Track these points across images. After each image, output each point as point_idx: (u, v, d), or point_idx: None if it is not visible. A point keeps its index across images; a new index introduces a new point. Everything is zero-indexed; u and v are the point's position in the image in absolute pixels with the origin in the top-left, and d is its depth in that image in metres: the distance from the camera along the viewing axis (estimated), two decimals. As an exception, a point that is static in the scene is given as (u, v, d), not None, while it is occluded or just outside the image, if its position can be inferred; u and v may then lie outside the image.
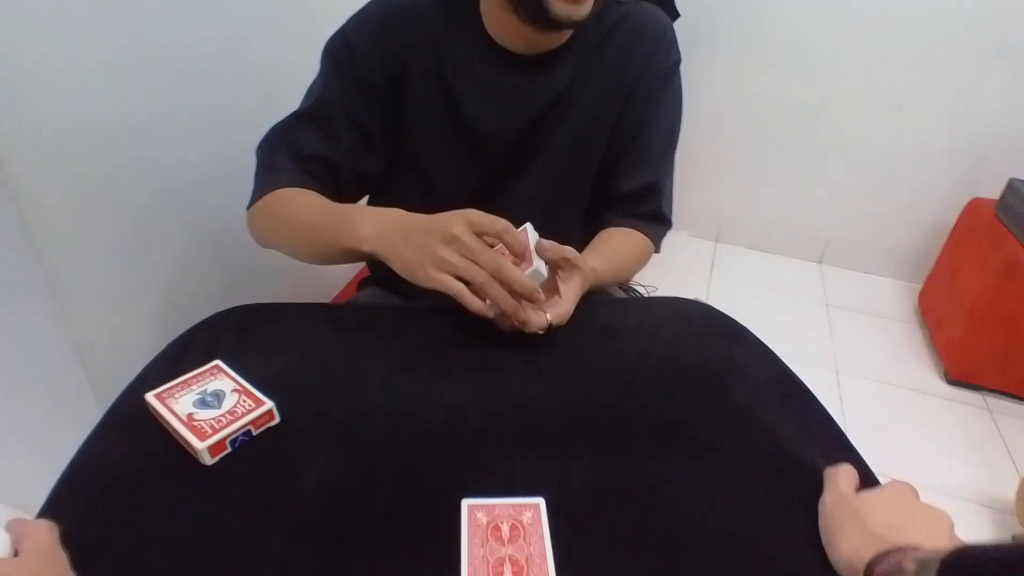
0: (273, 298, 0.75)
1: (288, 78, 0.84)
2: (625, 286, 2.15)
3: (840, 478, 0.46)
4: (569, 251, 0.63)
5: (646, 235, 0.84)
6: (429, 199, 0.83)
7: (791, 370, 0.60)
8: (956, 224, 1.97)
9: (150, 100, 0.83)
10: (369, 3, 0.77)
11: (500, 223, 0.59)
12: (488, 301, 0.59)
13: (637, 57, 0.79)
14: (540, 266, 0.59)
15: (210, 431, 0.50)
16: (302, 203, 0.72)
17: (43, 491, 0.47)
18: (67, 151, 0.73)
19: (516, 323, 0.59)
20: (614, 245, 0.80)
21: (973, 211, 1.89)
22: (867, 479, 0.48)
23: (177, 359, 0.59)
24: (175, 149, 0.89)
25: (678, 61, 0.83)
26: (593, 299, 0.68)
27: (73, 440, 0.52)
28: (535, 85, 0.77)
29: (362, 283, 0.97)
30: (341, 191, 0.79)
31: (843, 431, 0.53)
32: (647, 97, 0.81)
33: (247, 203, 0.76)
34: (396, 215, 0.64)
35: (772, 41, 2.10)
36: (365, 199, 0.87)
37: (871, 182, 2.20)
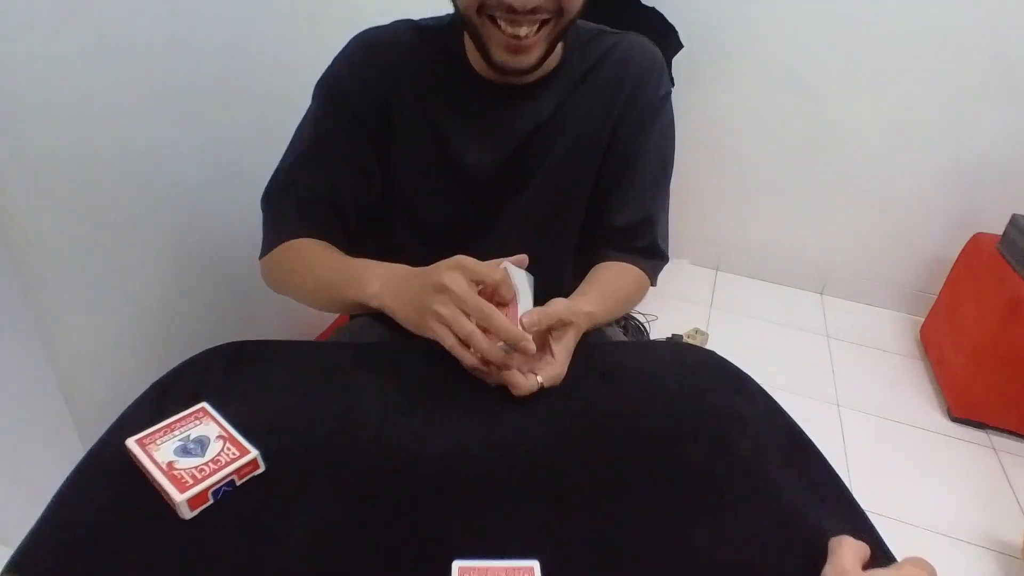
0: (267, 324, 0.74)
1: (283, 102, 0.83)
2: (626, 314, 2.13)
3: (845, 553, 0.42)
4: (558, 310, 0.61)
5: (642, 269, 0.83)
6: (418, 234, 0.83)
7: (795, 422, 0.58)
8: (958, 258, 1.96)
9: (142, 126, 0.82)
10: (351, 40, 0.77)
11: (497, 274, 0.58)
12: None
13: (624, 88, 0.78)
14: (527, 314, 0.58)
15: (191, 481, 0.48)
16: (312, 258, 0.73)
17: (23, 527, 0.45)
18: (53, 181, 0.72)
19: (503, 379, 0.58)
20: (609, 283, 0.79)
21: (975, 246, 1.88)
22: (878, 553, 0.44)
23: (161, 400, 0.57)
24: (168, 178, 0.87)
25: (669, 92, 0.82)
26: (591, 342, 0.66)
27: (55, 474, 0.50)
28: (518, 115, 0.76)
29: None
30: (350, 228, 0.79)
31: (851, 492, 0.51)
32: (636, 129, 0.80)
33: (247, 238, 0.77)
34: (399, 271, 0.65)
35: (773, 73, 2.11)
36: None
37: (872, 214, 2.20)
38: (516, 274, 0.62)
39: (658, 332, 2.05)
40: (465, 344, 0.57)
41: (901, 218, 2.17)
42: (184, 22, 0.85)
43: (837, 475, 0.52)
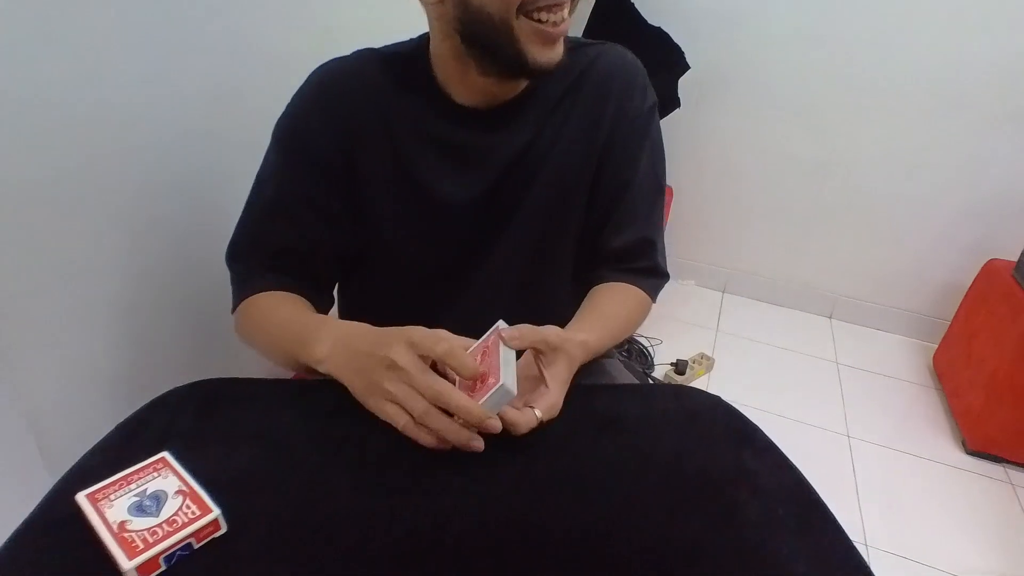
0: (252, 355, 0.70)
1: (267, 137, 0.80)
2: (629, 337, 2.09)
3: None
4: (547, 333, 0.57)
5: (642, 289, 0.78)
6: (401, 277, 0.79)
7: (806, 480, 0.53)
8: (972, 286, 1.90)
9: (117, 151, 0.78)
10: (310, 75, 0.73)
11: (441, 345, 0.52)
12: None
13: (609, 107, 0.74)
14: (509, 382, 0.51)
15: (142, 546, 0.43)
16: (270, 316, 0.69)
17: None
18: (17, 207, 0.69)
19: (475, 447, 0.52)
20: (607, 307, 0.74)
21: (990, 273, 1.83)
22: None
23: (124, 445, 0.53)
24: (145, 210, 0.84)
25: (654, 104, 0.78)
26: (590, 384, 0.62)
27: (21, 510, 0.47)
28: (493, 143, 0.72)
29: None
30: (320, 278, 0.76)
31: (867, 564, 0.46)
32: (627, 149, 0.76)
33: (223, 265, 0.73)
34: (349, 335, 0.59)
35: (782, 95, 2.08)
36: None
37: (883, 237, 2.16)
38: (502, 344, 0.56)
39: (662, 356, 2.00)
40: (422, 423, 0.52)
41: (912, 242, 2.13)
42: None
43: (852, 546, 0.47)
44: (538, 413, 0.54)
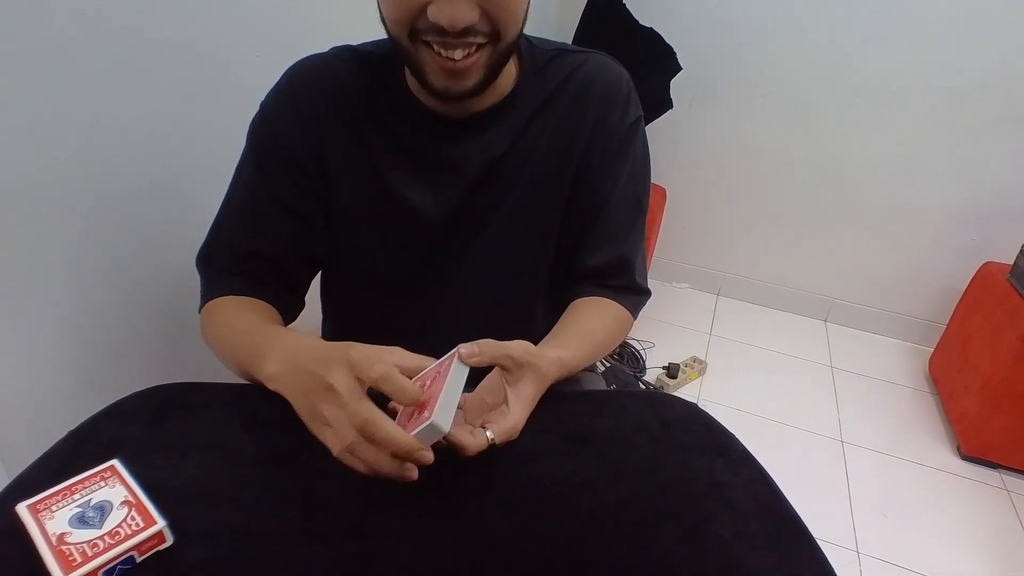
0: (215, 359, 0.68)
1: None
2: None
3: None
4: (511, 349, 0.54)
5: (623, 305, 0.76)
6: (372, 283, 0.77)
7: (782, 493, 0.51)
8: (967, 289, 1.89)
9: (83, 149, 0.76)
10: (284, 73, 0.71)
11: (376, 369, 0.47)
12: None
13: (587, 119, 0.71)
14: (441, 418, 0.46)
15: (79, 559, 0.41)
16: (230, 323, 0.66)
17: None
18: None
19: (408, 476, 0.48)
20: (586, 322, 0.72)
21: (985, 276, 1.81)
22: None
23: (72, 454, 0.51)
24: (112, 212, 0.82)
25: (639, 118, 0.74)
26: (560, 392, 0.60)
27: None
28: (466, 152, 0.69)
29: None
30: (290, 281, 0.74)
31: (842, 580, 0.44)
32: (604, 164, 0.72)
33: (193, 269, 0.71)
34: (297, 352, 0.55)
35: (777, 97, 2.06)
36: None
37: (879, 240, 2.14)
38: (456, 366, 0.52)
39: (655, 360, 1.98)
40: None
41: (908, 245, 2.11)
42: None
43: (825, 559, 0.45)
44: (490, 435, 0.51)
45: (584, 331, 0.70)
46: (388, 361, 0.49)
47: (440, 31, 0.55)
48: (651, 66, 1.78)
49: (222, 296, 0.69)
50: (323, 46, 0.74)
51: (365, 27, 0.76)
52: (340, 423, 0.48)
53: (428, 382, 0.51)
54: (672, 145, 2.21)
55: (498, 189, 0.71)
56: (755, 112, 2.11)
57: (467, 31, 0.56)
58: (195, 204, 0.81)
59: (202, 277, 0.72)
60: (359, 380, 0.48)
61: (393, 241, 0.73)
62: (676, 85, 1.84)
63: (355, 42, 0.74)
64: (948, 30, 1.80)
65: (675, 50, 1.79)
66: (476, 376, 0.55)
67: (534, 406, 0.56)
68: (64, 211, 0.76)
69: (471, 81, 0.60)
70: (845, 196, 2.12)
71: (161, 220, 0.89)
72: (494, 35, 0.58)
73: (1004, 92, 1.82)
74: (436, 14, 0.54)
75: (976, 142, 1.90)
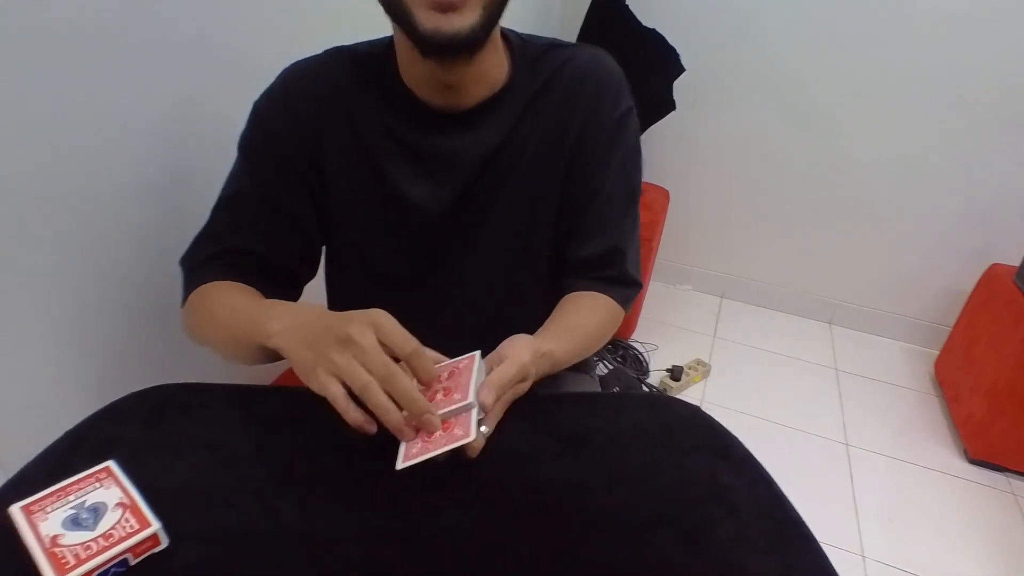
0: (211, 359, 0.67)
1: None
2: (624, 343, 2.06)
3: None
4: (509, 371, 0.55)
5: (612, 298, 0.76)
6: (370, 279, 0.77)
7: (784, 496, 0.50)
8: (974, 291, 1.87)
9: (81, 149, 0.76)
10: (277, 77, 0.71)
11: (411, 343, 0.49)
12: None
13: (578, 110, 0.71)
14: (476, 399, 0.50)
15: (73, 562, 0.41)
16: (224, 299, 0.65)
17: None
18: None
19: (406, 434, 0.49)
20: (576, 316, 0.72)
21: (992, 278, 1.80)
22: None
23: (68, 455, 0.51)
24: (108, 213, 0.81)
25: (629, 109, 0.74)
26: (559, 395, 0.59)
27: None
28: (462, 146, 0.70)
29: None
30: (277, 282, 0.72)
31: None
32: (596, 155, 0.72)
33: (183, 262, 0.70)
34: (308, 311, 0.56)
35: (781, 97, 2.05)
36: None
37: (884, 242, 2.12)
38: (478, 365, 0.54)
39: (658, 362, 1.97)
40: (355, 399, 0.49)
41: (913, 246, 2.09)
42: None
43: (828, 563, 0.45)
44: (484, 429, 0.51)
45: (573, 326, 0.70)
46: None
47: None
48: (654, 67, 1.78)
49: (211, 282, 0.68)
50: (321, 47, 0.74)
51: (362, 27, 0.76)
52: (352, 369, 0.48)
53: (445, 373, 0.54)
54: (675, 146, 2.20)
55: (495, 181, 0.71)
56: (759, 113, 2.10)
57: None
58: (192, 204, 0.81)
59: (186, 272, 0.71)
60: (383, 345, 0.49)
61: (393, 236, 0.73)
62: (679, 86, 1.83)
63: (351, 43, 0.74)
64: (954, 30, 1.79)
65: (678, 51, 1.78)
66: None
67: (510, 385, 0.55)
68: (62, 211, 0.76)
69: (465, 19, 0.56)
70: (850, 198, 2.11)
71: (158, 220, 0.89)
72: None
73: (1011, 93, 1.80)
74: None
75: (983, 143, 1.88)
